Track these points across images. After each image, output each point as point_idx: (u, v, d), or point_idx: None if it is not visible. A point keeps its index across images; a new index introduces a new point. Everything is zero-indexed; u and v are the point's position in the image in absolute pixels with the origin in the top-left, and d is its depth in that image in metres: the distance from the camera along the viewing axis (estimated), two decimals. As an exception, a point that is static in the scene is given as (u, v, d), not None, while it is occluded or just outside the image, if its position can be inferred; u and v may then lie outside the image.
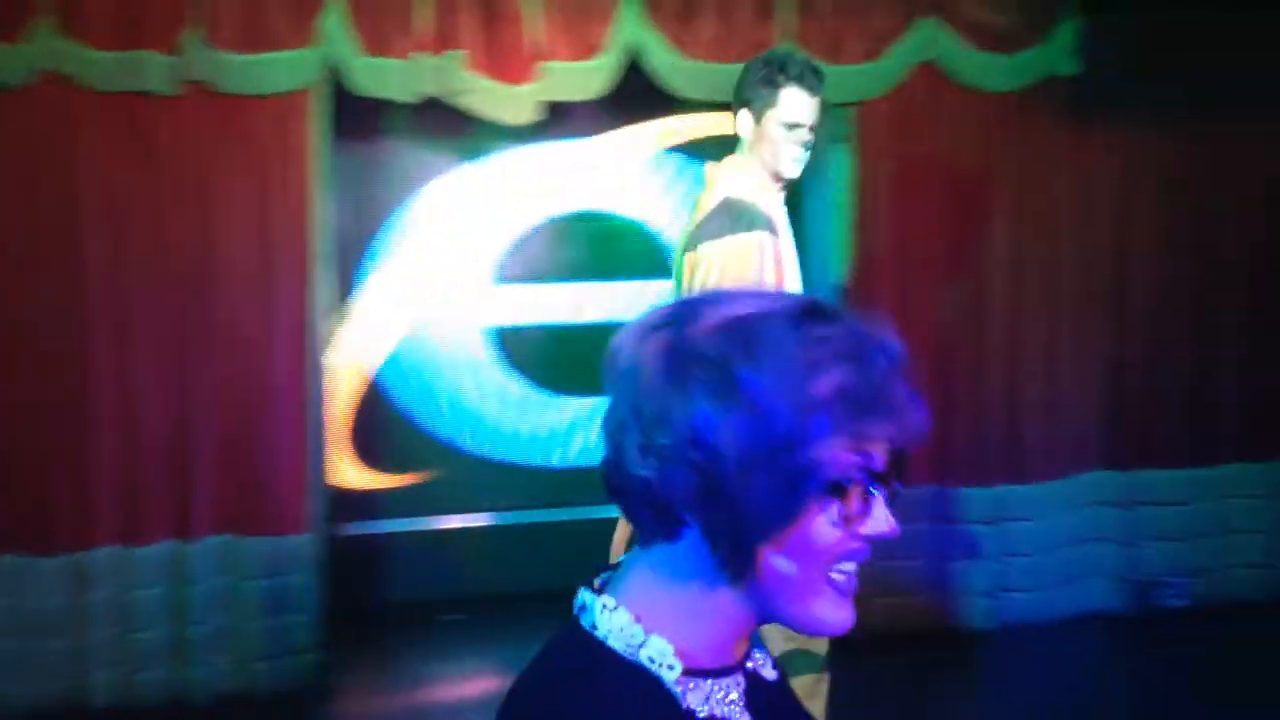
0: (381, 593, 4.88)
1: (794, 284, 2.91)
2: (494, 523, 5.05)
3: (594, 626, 0.96)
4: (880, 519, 0.94)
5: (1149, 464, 4.66)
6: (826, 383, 0.88)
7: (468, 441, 5.03)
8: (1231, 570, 4.74)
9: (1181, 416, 4.65)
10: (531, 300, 5.04)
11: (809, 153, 2.89)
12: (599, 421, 0.98)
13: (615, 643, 0.95)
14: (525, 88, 4.02)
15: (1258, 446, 4.75)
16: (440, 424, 5.01)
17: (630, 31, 4.05)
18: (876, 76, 4.30)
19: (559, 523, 4.98)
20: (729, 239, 2.75)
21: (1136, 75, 4.38)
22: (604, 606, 0.96)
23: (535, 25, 4.00)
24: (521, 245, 5.02)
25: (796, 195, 4.95)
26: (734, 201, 2.81)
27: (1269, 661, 4.18)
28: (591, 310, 5.06)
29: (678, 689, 0.94)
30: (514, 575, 4.86)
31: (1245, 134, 4.55)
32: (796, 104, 2.82)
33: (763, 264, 2.74)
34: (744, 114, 2.88)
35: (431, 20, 3.92)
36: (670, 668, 0.94)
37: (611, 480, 0.96)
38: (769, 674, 1.06)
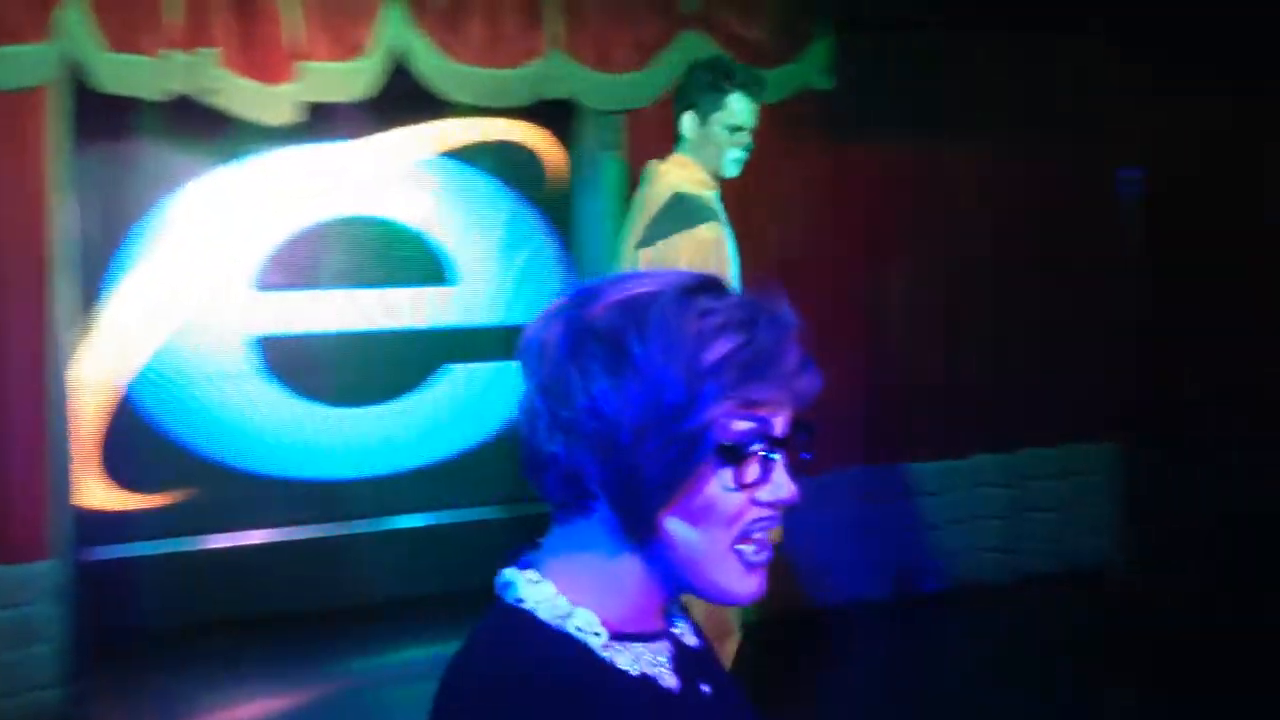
0: (137, 619, 4.59)
1: (736, 275, 3.02)
2: (260, 541, 4.84)
3: (520, 600, 1.00)
4: (780, 484, 0.98)
5: (905, 458, 4.93)
6: (714, 352, 0.93)
7: (230, 457, 4.80)
8: (977, 554, 5.08)
9: (933, 413, 4.95)
10: (296, 308, 4.87)
11: (747, 154, 3.08)
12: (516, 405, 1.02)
13: (543, 613, 0.98)
14: (284, 87, 3.88)
15: (1001, 439, 5.10)
16: (200, 440, 4.76)
17: (395, 33, 3.98)
18: (644, 85, 4.37)
19: (328, 539, 4.84)
20: (688, 233, 2.89)
21: (886, 91, 4.63)
22: (528, 580, 1.00)
23: (294, 23, 3.87)
24: (285, 251, 4.83)
25: (568, 204, 5.03)
26: (687, 197, 2.96)
27: (1014, 639, 4.50)
28: (359, 318, 4.93)
29: (606, 654, 0.98)
30: (281, 595, 4.69)
31: (979, 146, 4.88)
32: (741, 109, 3.03)
33: (721, 255, 2.88)
34: (689, 116, 3.04)
35: (182, 15, 3.73)
36: (597, 634, 0.98)
37: (527, 460, 1.00)
38: (691, 641, 1.10)
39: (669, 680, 1.02)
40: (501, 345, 4.99)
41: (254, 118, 3.92)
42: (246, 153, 4.72)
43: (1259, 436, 5.01)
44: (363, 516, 4.99)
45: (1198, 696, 3.85)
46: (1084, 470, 5.26)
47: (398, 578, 4.91)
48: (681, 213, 2.92)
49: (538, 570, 1.01)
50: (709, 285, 0.99)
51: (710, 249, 2.87)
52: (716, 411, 0.93)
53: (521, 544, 1.07)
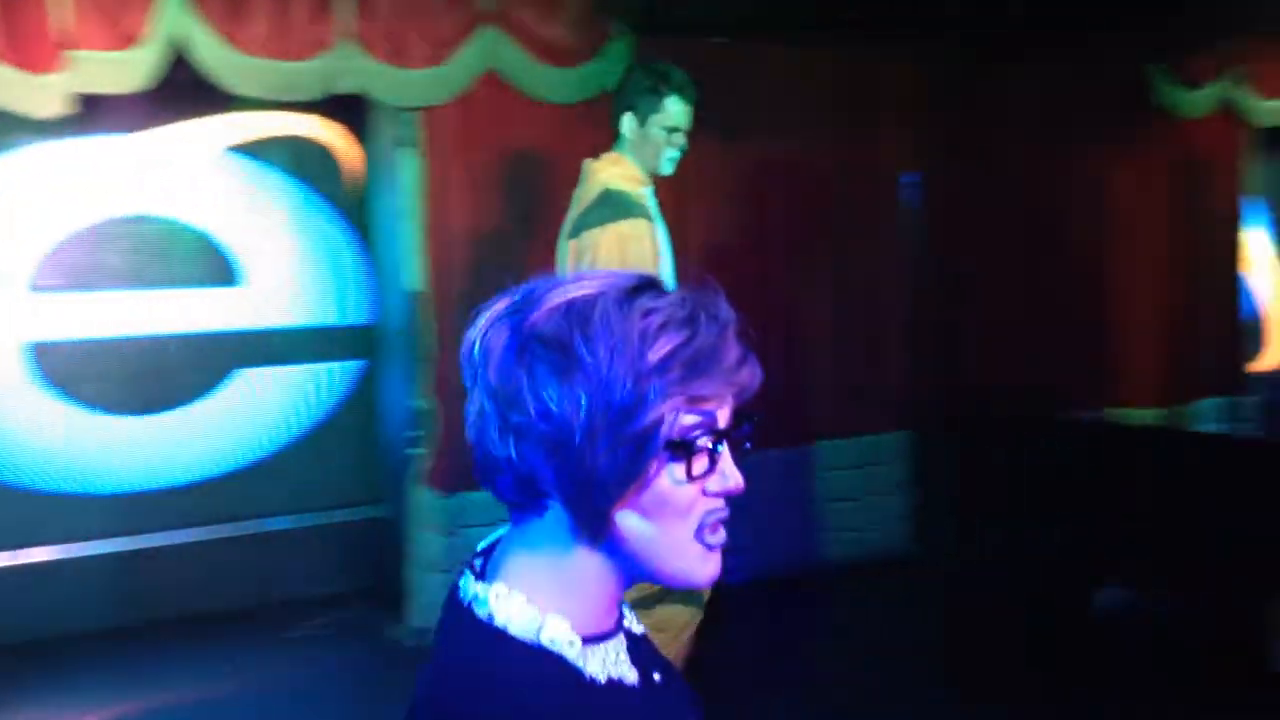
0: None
1: (668, 270, 3.14)
2: (37, 560, 4.53)
3: (491, 617, 1.00)
4: (727, 474, 1.01)
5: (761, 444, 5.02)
6: (658, 351, 0.95)
7: (4, 473, 4.48)
8: (832, 534, 5.26)
9: (780, 402, 5.06)
10: (74, 312, 4.58)
11: (681, 153, 3.25)
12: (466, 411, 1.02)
13: (516, 630, 0.98)
14: (53, 77, 3.65)
15: (845, 425, 5.31)
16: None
17: (173, 21, 3.79)
18: (442, 82, 4.31)
19: (115, 555, 4.58)
20: (611, 226, 3.02)
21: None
22: (496, 595, 1.01)
23: (63, 10, 3.65)
24: (62, 251, 4.54)
25: (364, 202, 4.91)
26: (614, 193, 3.10)
27: (869, 616, 4.66)
28: (143, 321, 4.68)
29: (580, 663, 0.99)
30: (68, 614, 4.41)
31: (770, 150, 5.02)
32: (678, 112, 3.18)
33: (641, 250, 2.99)
34: (629, 117, 3.18)
35: (-66, -1, 3.47)
36: (571, 644, 0.99)
37: (479, 463, 1.02)
38: (638, 629, 1.14)
39: (630, 676, 1.05)
40: (295, 348, 4.83)
41: (21, 109, 3.67)
42: (16, 146, 4.42)
43: (1041, 419, 5.35)
44: (151, 530, 4.74)
45: (992, 677, 4.05)
46: (880, 460, 5.48)
47: (189, 592, 4.69)
48: (607, 208, 3.07)
49: (503, 581, 1.02)
50: (648, 285, 1.01)
51: (629, 243, 3.01)
52: (663, 409, 0.96)
53: (475, 551, 1.09)
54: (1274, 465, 4.35)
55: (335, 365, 4.97)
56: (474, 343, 1.01)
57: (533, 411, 0.96)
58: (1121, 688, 3.86)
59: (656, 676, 1.10)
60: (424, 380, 4.41)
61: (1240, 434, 6.24)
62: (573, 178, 4.43)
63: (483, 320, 1.02)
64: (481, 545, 1.11)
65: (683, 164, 3.21)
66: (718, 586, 1.21)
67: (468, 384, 1.02)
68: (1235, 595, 3.84)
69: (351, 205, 4.98)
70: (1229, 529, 4.05)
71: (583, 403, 0.95)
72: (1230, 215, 6.34)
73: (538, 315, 0.98)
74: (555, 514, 1.00)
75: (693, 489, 0.99)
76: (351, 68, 4.12)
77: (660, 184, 3.28)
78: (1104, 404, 5.94)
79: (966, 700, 3.81)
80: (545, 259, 4.54)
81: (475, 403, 1.01)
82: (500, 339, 0.99)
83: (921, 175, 5.41)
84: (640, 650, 1.10)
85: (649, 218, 3.10)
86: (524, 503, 1.01)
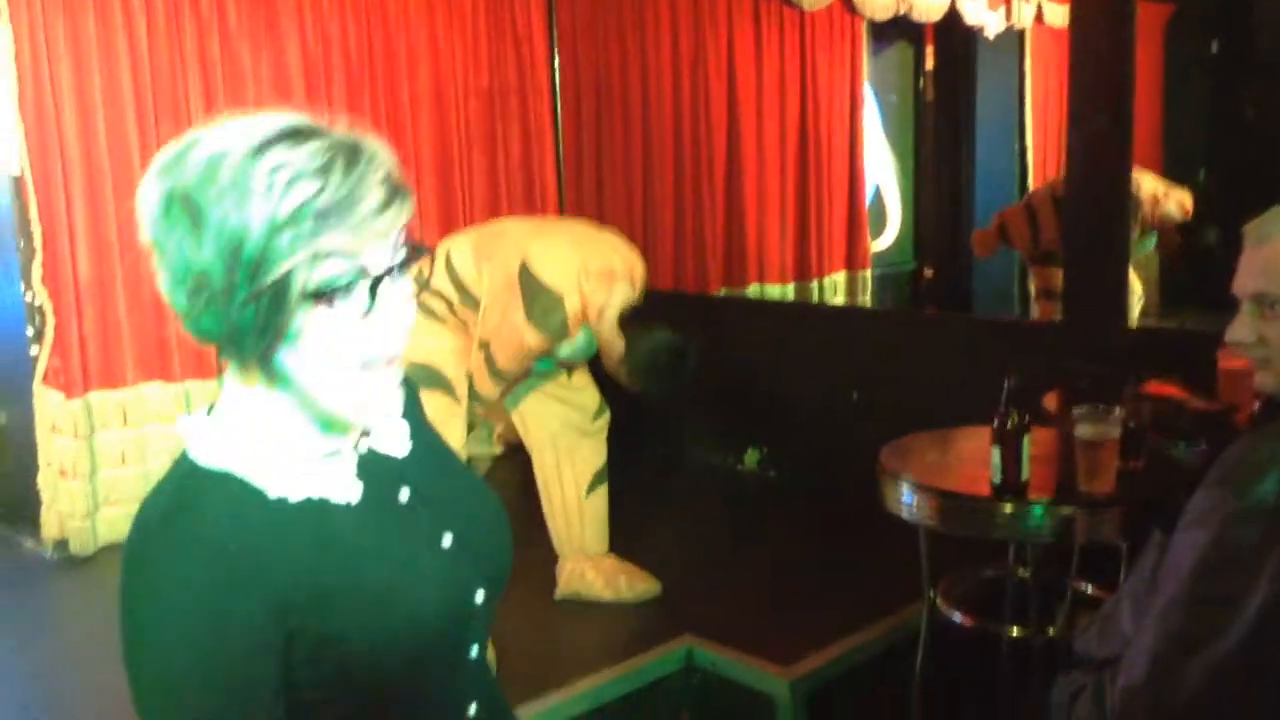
0: None
1: None
2: None
3: (187, 446, 1.07)
4: (391, 311, 1.03)
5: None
6: (285, 205, 0.96)
7: None
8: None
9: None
10: None
11: None
12: None
13: (199, 456, 1.05)
14: None
15: None
16: None
17: None
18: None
19: None
20: None
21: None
22: (189, 426, 1.08)
23: None
24: None
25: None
26: None
27: None
28: None
29: (263, 481, 1.05)
30: None
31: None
32: None
33: None
34: None
35: None
36: (253, 468, 1.05)
37: (178, 314, 1.04)
38: (395, 449, 1.18)
39: (346, 495, 1.10)
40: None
41: None
42: None
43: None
44: None
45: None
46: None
47: None
48: None
49: (210, 415, 1.09)
50: (290, 135, 1.00)
51: None
52: (296, 260, 0.97)
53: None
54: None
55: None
56: (137, 198, 1.03)
57: (177, 270, 1.00)
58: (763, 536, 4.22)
59: (402, 494, 1.15)
60: (34, 272, 4.04)
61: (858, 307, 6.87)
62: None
63: (145, 176, 1.03)
64: None
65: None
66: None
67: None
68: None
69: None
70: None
71: (216, 258, 0.98)
72: (850, 103, 6.88)
73: (180, 171, 1.00)
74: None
75: (351, 330, 1.02)
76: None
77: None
78: (744, 283, 6.36)
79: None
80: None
81: (147, 257, 1.04)
82: (150, 196, 1.01)
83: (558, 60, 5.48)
84: (385, 470, 1.15)
85: None
86: (220, 350, 1.05)
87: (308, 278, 0.99)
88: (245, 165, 0.98)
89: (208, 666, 0.98)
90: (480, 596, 1.17)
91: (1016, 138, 7.40)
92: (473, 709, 1.19)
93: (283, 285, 0.98)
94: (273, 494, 1.05)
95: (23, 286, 4.06)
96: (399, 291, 1.04)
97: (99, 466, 4.20)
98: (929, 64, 7.62)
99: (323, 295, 1.00)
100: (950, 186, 7.64)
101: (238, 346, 1.02)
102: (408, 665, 1.08)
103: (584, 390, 3.51)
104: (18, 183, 4.01)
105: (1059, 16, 6.76)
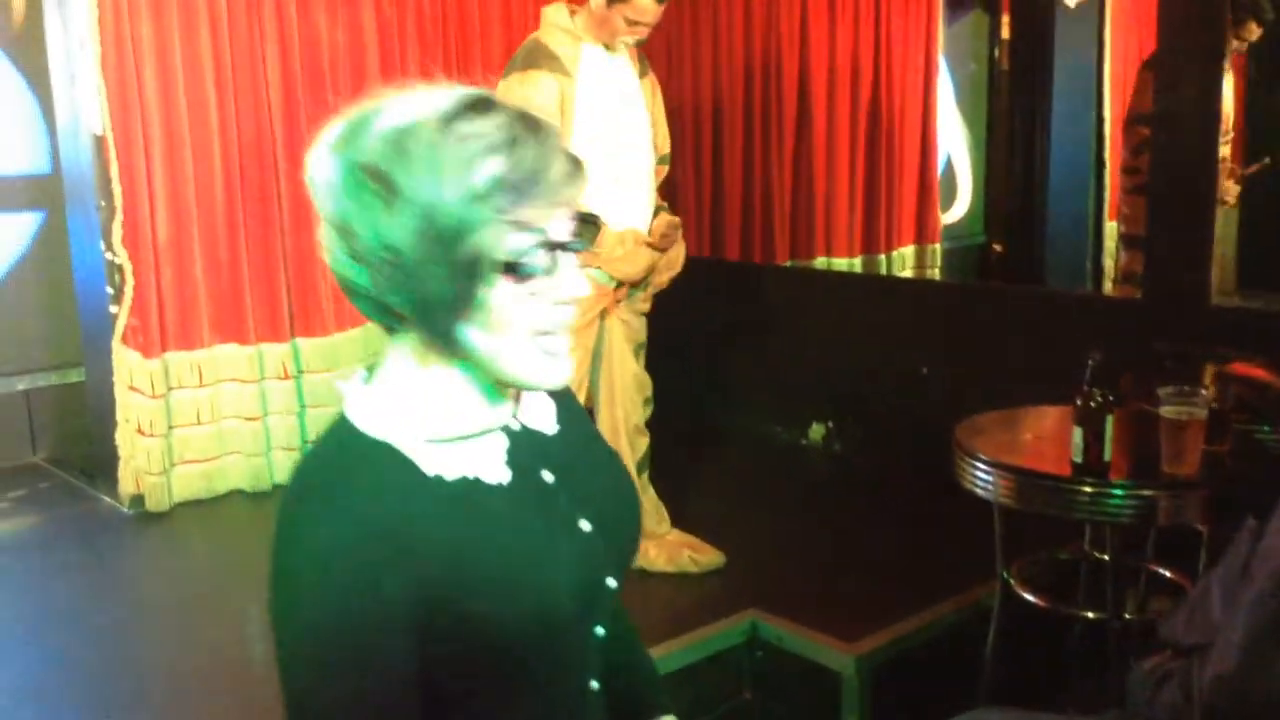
0: None
1: (595, 135, 3.11)
2: None
3: (346, 410, 1.10)
4: (566, 281, 1.05)
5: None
6: (479, 176, 0.98)
7: None
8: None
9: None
10: None
11: (637, 41, 3.23)
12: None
13: (360, 422, 1.08)
14: None
15: None
16: None
17: None
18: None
19: None
20: (513, 75, 3.03)
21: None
22: (353, 393, 1.11)
23: None
24: None
25: (36, 38, 4.44)
26: (533, 42, 3.10)
27: None
28: None
29: (421, 457, 1.06)
30: None
31: None
32: (645, 9, 3.10)
33: (541, 101, 2.94)
34: None
35: None
36: (412, 440, 1.07)
37: (342, 288, 1.07)
38: (548, 429, 1.21)
39: (498, 475, 1.11)
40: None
41: None
42: None
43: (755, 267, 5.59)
44: None
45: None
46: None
47: None
48: (520, 56, 3.11)
49: (371, 381, 1.12)
50: (471, 106, 1.01)
51: (515, 90, 3.00)
52: (490, 232, 1.00)
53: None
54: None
55: (11, 217, 4.57)
56: (312, 174, 1.05)
57: (369, 241, 1.01)
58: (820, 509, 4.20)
59: (546, 475, 1.16)
60: (114, 233, 4.11)
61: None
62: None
63: (317, 149, 1.05)
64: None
65: None
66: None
67: (318, 212, 1.06)
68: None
69: (19, 42, 4.50)
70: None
71: (410, 231, 0.99)
72: (925, 74, 6.75)
73: (363, 144, 1.01)
74: (411, 331, 1.07)
75: (534, 301, 1.04)
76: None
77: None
78: (810, 255, 6.30)
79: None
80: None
81: (323, 232, 1.05)
82: (328, 169, 1.02)
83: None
84: (531, 450, 1.17)
85: (559, 71, 3.07)
86: (384, 323, 1.08)
87: (498, 249, 1.01)
88: (435, 137, 0.99)
89: (352, 642, 1.00)
90: (611, 579, 1.19)
91: (1095, 110, 7.22)
92: (594, 684, 1.21)
93: (476, 257, 1.00)
94: (429, 471, 1.07)
95: (103, 246, 4.13)
96: (573, 261, 1.07)
97: (174, 424, 4.28)
98: (1005, 33, 7.46)
99: (511, 266, 1.02)
100: (1024, 159, 7.49)
101: (427, 319, 1.04)
102: (537, 646, 1.09)
103: (644, 379, 3.52)
104: (100, 142, 4.07)
105: (1142, -14, 6.57)
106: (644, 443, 3.53)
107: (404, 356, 1.10)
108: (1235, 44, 5.04)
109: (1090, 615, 2.69)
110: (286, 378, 4.46)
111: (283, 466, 4.42)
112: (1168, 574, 2.73)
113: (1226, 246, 6.58)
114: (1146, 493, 2.32)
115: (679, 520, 3.59)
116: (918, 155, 6.81)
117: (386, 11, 4.63)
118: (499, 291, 1.02)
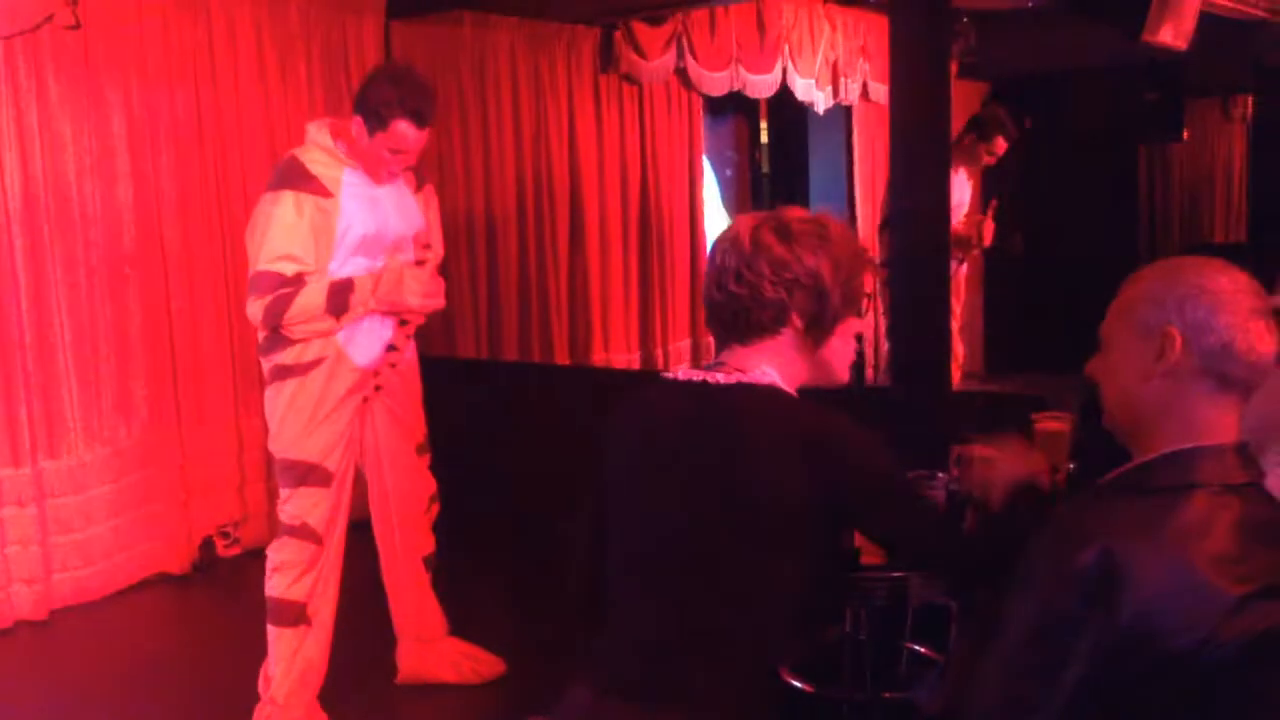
0: None
1: (364, 249, 3.04)
2: None
3: (765, 382, 1.73)
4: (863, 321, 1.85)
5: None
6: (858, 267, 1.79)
7: None
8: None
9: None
10: None
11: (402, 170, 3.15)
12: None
13: (781, 385, 1.75)
14: None
15: None
16: None
17: None
18: None
19: None
20: (266, 194, 2.98)
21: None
22: (764, 371, 1.73)
23: None
24: None
25: None
26: (290, 161, 3.01)
27: None
28: None
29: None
30: None
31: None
32: (405, 136, 3.01)
33: (267, 222, 2.91)
34: (359, 120, 3.01)
35: None
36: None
37: (729, 307, 1.73)
38: None
39: None
40: None
41: None
42: None
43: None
44: None
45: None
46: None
47: None
48: (275, 175, 3.04)
49: (764, 370, 1.74)
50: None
51: (259, 214, 2.97)
52: (862, 283, 1.77)
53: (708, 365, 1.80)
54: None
55: None
56: (741, 236, 1.72)
57: (801, 272, 1.69)
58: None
59: None
60: None
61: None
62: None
63: (738, 225, 1.75)
64: (708, 366, 1.78)
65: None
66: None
67: (721, 259, 1.74)
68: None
69: None
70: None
71: (830, 266, 1.70)
72: (690, 174, 7.03)
73: (790, 216, 1.73)
74: (791, 332, 1.72)
75: (856, 325, 1.77)
76: None
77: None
78: (589, 353, 6.38)
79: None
80: None
81: (730, 270, 1.72)
82: (766, 231, 1.70)
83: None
84: None
85: (317, 191, 2.97)
86: (769, 328, 1.72)
87: (855, 298, 1.77)
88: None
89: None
90: None
91: (847, 206, 7.69)
92: None
93: (857, 292, 1.76)
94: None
95: None
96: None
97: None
98: (764, 137, 7.89)
99: (854, 306, 1.77)
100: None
101: (821, 322, 1.72)
102: None
103: (425, 474, 3.44)
104: None
105: (882, 94, 7.08)
106: (426, 536, 3.45)
107: (772, 349, 1.75)
108: (985, 158, 5.51)
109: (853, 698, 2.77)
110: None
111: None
112: (921, 650, 2.85)
113: (973, 335, 7.07)
114: (896, 574, 2.42)
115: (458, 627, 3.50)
116: (688, 252, 7.06)
117: (138, 115, 4.47)
118: (853, 315, 1.78)
